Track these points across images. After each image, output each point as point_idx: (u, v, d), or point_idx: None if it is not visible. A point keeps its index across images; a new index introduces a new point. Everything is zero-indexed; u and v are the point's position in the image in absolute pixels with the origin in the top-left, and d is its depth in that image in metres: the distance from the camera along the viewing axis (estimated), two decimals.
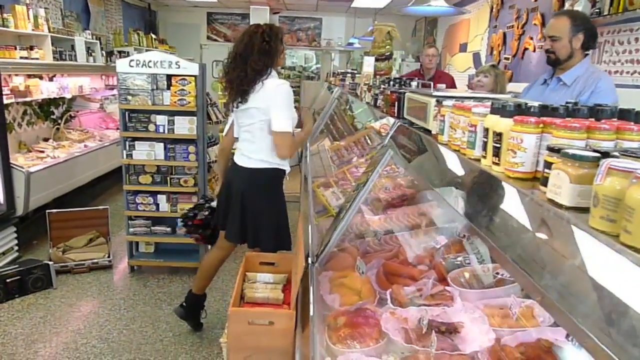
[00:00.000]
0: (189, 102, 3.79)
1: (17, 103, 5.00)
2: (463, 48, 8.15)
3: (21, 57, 5.03)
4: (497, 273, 1.99)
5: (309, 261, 2.41)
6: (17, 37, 5.25)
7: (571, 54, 2.65)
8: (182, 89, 3.77)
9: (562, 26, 2.64)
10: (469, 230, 2.11)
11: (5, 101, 4.66)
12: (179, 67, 3.76)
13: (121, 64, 3.78)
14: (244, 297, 2.37)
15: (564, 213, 0.86)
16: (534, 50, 5.70)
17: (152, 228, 4.07)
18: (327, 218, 3.38)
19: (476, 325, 1.69)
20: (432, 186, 1.85)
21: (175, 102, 3.79)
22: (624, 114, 1.12)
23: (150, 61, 3.74)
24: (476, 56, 7.54)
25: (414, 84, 3.01)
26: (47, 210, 4.18)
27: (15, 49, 4.96)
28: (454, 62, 8.60)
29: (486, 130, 1.21)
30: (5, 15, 4.82)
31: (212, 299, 3.65)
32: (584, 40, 2.62)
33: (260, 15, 10.25)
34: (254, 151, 2.72)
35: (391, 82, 3.13)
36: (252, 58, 2.57)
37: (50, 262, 3.78)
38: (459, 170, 1.44)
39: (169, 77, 3.79)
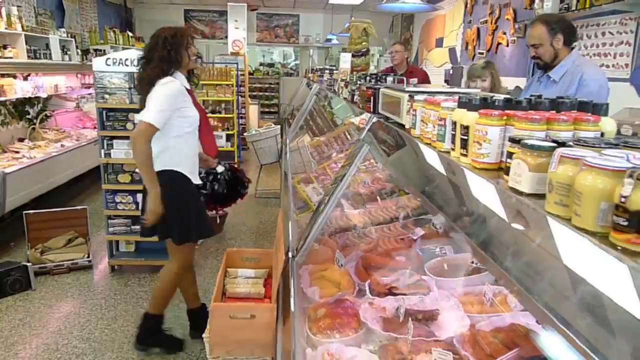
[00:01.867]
0: None
1: None
2: (439, 43, 8.26)
3: None
4: (473, 262, 2.06)
5: (289, 255, 2.45)
6: None
7: (556, 54, 2.75)
8: None
9: (539, 33, 2.74)
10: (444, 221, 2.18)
11: None
12: None
13: (98, 63, 3.75)
14: (225, 292, 2.41)
15: (524, 199, 0.91)
16: (507, 45, 5.81)
17: (132, 227, 4.06)
18: (308, 214, 3.42)
19: (452, 312, 1.76)
20: (407, 179, 1.90)
21: None
22: (583, 106, 1.18)
23: (127, 59, 3.72)
24: (452, 51, 7.65)
25: (389, 79, 3.07)
26: (24, 212, 4.13)
27: None
28: (430, 57, 8.70)
29: (454, 123, 1.26)
30: None
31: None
32: (565, 38, 2.72)
33: (237, 12, 10.20)
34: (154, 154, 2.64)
35: (367, 78, 3.18)
36: (151, 65, 2.62)
37: (29, 264, 3.74)
38: (430, 163, 1.49)
39: None
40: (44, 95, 5.96)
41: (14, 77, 5.49)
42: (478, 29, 6.67)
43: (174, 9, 11.73)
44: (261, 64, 13.92)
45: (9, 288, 3.61)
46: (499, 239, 1.04)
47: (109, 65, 3.73)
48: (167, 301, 2.90)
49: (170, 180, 2.66)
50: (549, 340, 1.26)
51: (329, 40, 10.88)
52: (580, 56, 3.04)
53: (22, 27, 5.50)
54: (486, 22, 6.35)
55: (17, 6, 5.78)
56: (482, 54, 6.46)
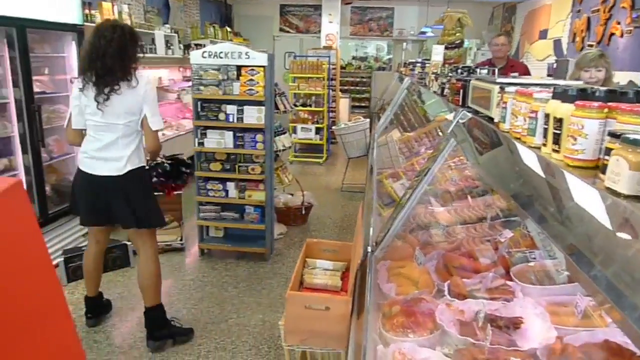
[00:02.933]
0: (258, 92, 3.89)
1: None
2: (543, 35, 7.72)
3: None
4: (564, 270, 1.89)
5: (368, 249, 2.41)
6: None
7: None
8: (251, 79, 3.88)
9: None
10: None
11: None
12: (248, 58, 3.87)
13: (195, 56, 3.95)
14: (303, 282, 2.43)
15: (622, 202, 0.80)
16: (622, 36, 5.29)
17: (221, 214, 4.24)
18: (394, 210, 3.35)
19: (537, 322, 1.62)
20: (496, 177, 1.79)
21: (244, 91, 3.90)
22: None
23: (221, 52, 3.88)
24: (557, 43, 7.11)
25: (483, 72, 2.92)
26: None
27: None
28: (533, 50, 8.16)
29: (547, 116, 1.15)
30: (92, 11, 5.17)
31: (276, 284, 3.76)
32: None
33: (332, 6, 10.27)
34: None
35: (459, 70, 3.04)
36: (122, 58, 2.71)
37: (128, 243, 4.04)
38: (519, 159, 1.38)
39: (239, 67, 3.91)
40: None
41: None
42: (588, 19, 6.14)
43: (269, 4, 12.06)
44: (354, 58, 13.92)
45: (111, 263, 3.93)
46: (592, 246, 0.94)
47: (205, 57, 3.91)
48: (160, 287, 2.98)
49: (144, 174, 2.93)
50: None
51: (423, 32, 10.60)
52: None
53: (132, 23, 5.93)
54: (598, 10, 5.83)
55: (128, 4, 6.25)
56: (591, 45, 5.94)
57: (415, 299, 1.86)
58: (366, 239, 2.53)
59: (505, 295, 1.81)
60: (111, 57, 2.62)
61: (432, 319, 1.72)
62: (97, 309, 3.24)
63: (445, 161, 2.35)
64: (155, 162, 3.32)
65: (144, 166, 2.93)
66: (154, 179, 3.31)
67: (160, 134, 3.02)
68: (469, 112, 2.13)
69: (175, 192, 3.83)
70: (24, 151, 3.85)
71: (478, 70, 2.98)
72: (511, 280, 1.94)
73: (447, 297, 1.85)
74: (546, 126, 1.16)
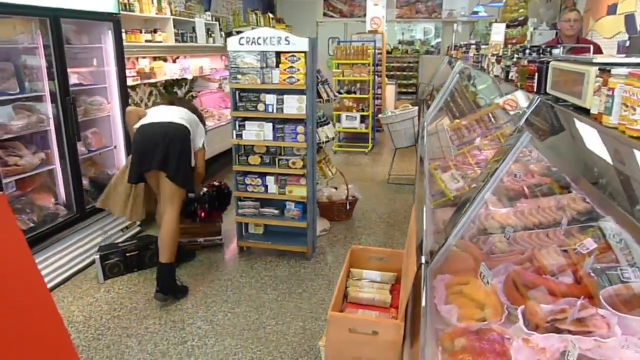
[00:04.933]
0: (298, 80, 3.60)
1: (144, 84, 5.23)
2: (612, 10, 7.00)
3: (146, 41, 5.23)
4: None
5: (423, 260, 2.09)
6: (143, 20, 5.47)
7: None
8: (292, 67, 3.59)
9: None
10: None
11: (132, 83, 4.89)
12: (288, 43, 3.58)
13: (232, 42, 3.70)
14: (347, 295, 2.15)
15: None
16: None
17: (261, 210, 4.01)
18: (443, 203, 3.02)
19: None
20: (583, 178, 1.43)
21: (284, 80, 3.63)
22: None
23: (259, 38, 3.61)
24: (629, 18, 6.42)
25: (556, 51, 2.51)
26: None
27: (141, 32, 5.17)
28: (599, 27, 7.45)
29: None
30: (131, 0, 5.02)
31: (318, 286, 3.50)
32: None
33: None
34: None
35: (527, 51, 2.64)
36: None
37: None
38: (629, 161, 1.03)
39: (278, 54, 3.63)
40: (190, 77, 6.23)
41: (164, 59, 5.81)
42: None
43: None
44: (400, 42, 13.35)
45: (148, 260, 3.78)
46: None
47: (242, 44, 3.64)
48: (175, 248, 3.34)
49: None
50: None
51: (475, 13, 9.97)
52: None
53: (171, 11, 5.77)
54: None
55: None
56: None
57: (482, 330, 1.54)
58: (420, 247, 2.22)
59: (599, 329, 1.45)
60: None
61: (505, 359, 1.39)
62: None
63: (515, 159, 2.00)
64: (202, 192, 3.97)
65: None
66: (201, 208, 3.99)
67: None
68: (547, 99, 1.77)
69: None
70: (60, 145, 3.73)
71: (549, 49, 2.57)
72: (600, 305, 1.58)
73: (523, 329, 1.51)
74: None
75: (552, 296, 1.68)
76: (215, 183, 4.22)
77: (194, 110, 3.70)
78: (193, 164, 3.49)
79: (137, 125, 3.36)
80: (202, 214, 4.02)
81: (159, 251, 3.30)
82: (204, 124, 3.78)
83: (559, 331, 1.47)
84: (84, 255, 3.81)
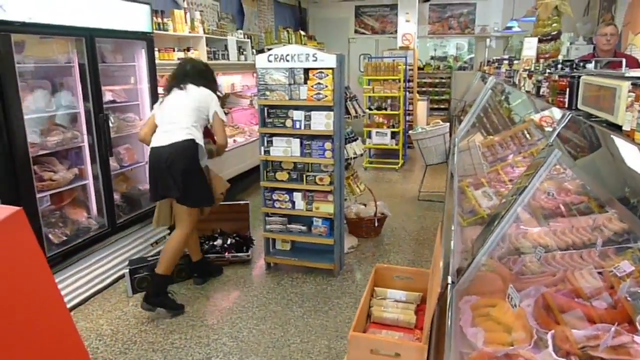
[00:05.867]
0: (326, 97, 3.61)
1: None
2: None
3: (178, 59, 5.35)
4: None
5: (449, 280, 2.03)
6: (176, 39, 5.61)
7: None
8: (319, 83, 3.61)
9: None
10: None
11: None
12: (316, 60, 3.60)
13: (260, 59, 3.74)
14: (370, 315, 2.10)
15: None
16: None
17: (288, 226, 4.00)
18: (475, 222, 2.93)
19: None
20: (616, 197, 1.36)
21: (311, 96, 3.64)
22: None
23: (287, 55, 3.64)
24: None
25: (590, 65, 2.43)
26: None
27: (174, 50, 5.31)
28: (638, 41, 7.23)
29: None
30: (165, 20, 5.16)
31: (344, 305, 3.45)
32: None
33: (408, 4, 9.82)
34: None
35: (559, 66, 2.57)
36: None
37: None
38: None
39: (306, 71, 3.65)
40: (222, 94, 6.34)
41: None
42: None
43: (345, 6, 11.80)
44: (432, 58, 13.27)
45: (175, 275, 3.80)
46: None
47: (271, 61, 3.68)
48: (175, 262, 3.44)
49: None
50: None
51: (509, 28, 9.82)
52: None
53: (204, 30, 5.90)
54: None
55: (200, 11, 6.24)
56: None
57: (509, 355, 1.47)
58: (446, 265, 2.15)
59: (635, 357, 1.36)
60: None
61: None
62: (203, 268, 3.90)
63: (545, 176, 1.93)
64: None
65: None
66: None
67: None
68: (579, 115, 1.70)
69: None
70: (93, 160, 3.83)
71: (583, 64, 2.49)
72: (637, 332, 1.49)
73: (552, 355, 1.44)
74: None
75: (586, 321, 1.59)
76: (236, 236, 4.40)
77: (204, 74, 3.57)
78: (210, 146, 3.62)
79: (149, 147, 3.44)
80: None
81: (158, 262, 3.39)
82: (216, 85, 3.78)
83: (591, 359, 1.39)
84: (114, 268, 3.88)
